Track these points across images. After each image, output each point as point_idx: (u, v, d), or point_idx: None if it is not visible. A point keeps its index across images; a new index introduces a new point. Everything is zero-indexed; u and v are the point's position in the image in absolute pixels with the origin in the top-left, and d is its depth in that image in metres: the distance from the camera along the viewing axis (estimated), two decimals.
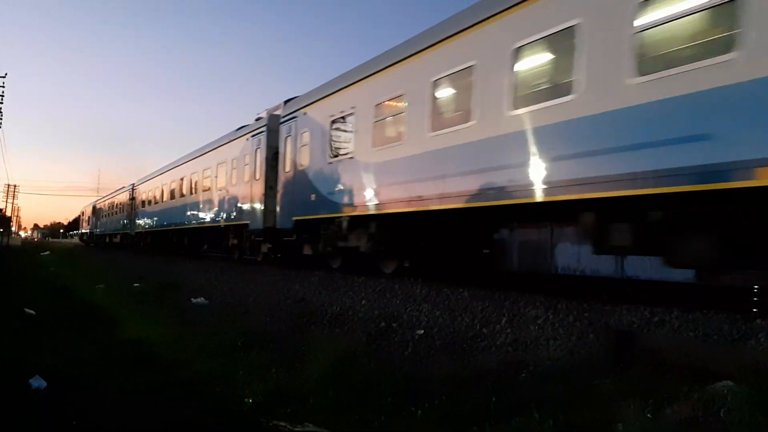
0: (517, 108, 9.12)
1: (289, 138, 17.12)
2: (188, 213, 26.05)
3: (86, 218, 70.05)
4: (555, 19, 8.45)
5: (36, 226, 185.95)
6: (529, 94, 9.03)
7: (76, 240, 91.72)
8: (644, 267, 8.53)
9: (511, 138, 9.13)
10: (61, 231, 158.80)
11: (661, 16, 7.09)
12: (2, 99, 50.19)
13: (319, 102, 15.45)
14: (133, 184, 41.04)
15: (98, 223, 57.66)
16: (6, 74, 44.35)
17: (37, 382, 5.55)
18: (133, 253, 33.49)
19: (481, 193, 9.57)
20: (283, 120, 17.54)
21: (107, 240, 52.29)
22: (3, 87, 59.17)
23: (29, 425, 4.69)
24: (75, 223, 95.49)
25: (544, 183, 8.46)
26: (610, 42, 7.67)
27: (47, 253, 40.75)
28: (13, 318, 9.42)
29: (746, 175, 6.19)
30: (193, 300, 11.39)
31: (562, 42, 8.41)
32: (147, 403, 5.41)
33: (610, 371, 5.01)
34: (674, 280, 9.15)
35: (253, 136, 19.37)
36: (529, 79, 9.17)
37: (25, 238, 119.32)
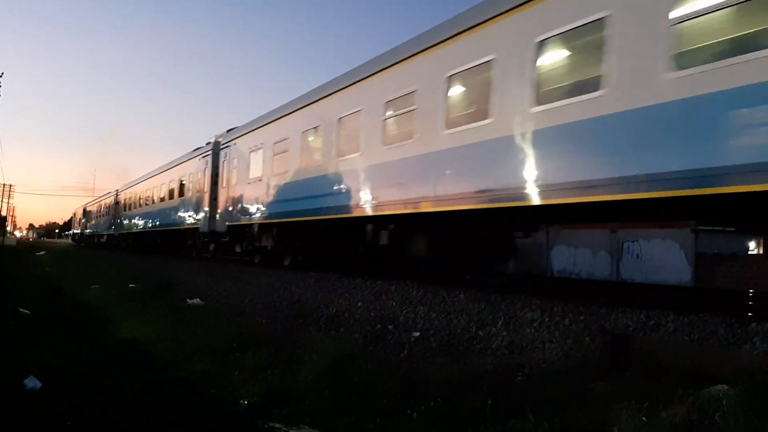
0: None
1: (225, 161, 21.64)
2: (158, 218, 30.48)
3: (77, 220, 74.39)
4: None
5: (31, 226, 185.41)
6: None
7: (69, 240, 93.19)
8: (639, 270, 8.59)
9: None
10: (57, 231, 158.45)
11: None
12: None
13: (243, 136, 20.01)
14: (117, 190, 45.12)
15: (88, 224, 61.87)
16: (2, 74, 44.20)
17: (32, 383, 5.54)
18: (127, 254, 33.43)
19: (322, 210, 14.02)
20: (221, 146, 22.13)
21: (96, 240, 55.69)
22: (0, 86, 59.03)
23: (24, 426, 4.67)
24: (70, 224, 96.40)
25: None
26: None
27: (42, 253, 40.65)
28: (8, 318, 9.39)
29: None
30: (189, 301, 11.37)
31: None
32: (142, 403, 5.40)
33: (606, 374, 5.01)
34: (670, 284, 9.22)
35: (202, 157, 23.73)
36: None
37: (21, 238, 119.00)
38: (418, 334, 7.15)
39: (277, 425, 4.79)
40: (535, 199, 8.30)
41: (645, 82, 7.12)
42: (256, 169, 18.34)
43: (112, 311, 11.12)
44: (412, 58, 11.33)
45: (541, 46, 8.53)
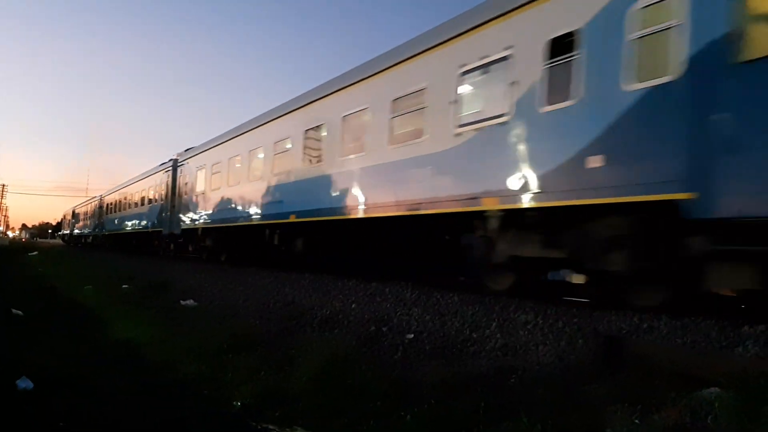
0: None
1: (180, 176, 26.13)
2: (133, 221, 34.99)
3: (67, 221, 79.48)
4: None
5: (24, 226, 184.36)
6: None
7: (59, 240, 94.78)
8: None
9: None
10: (50, 231, 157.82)
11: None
12: None
13: (193, 156, 24.63)
14: (101, 195, 50.21)
15: (76, 225, 66.81)
16: None
17: (24, 383, 5.52)
18: (119, 254, 33.36)
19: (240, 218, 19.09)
20: (178, 164, 26.60)
21: (83, 240, 59.73)
22: None
23: (16, 426, 4.66)
24: (61, 224, 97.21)
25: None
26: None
27: (35, 253, 40.48)
28: (0, 318, 9.35)
29: None
30: (182, 302, 11.35)
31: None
32: (135, 404, 5.39)
33: (599, 376, 5.03)
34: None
35: (165, 171, 28.17)
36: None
37: (13, 238, 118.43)
38: (412, 336, 7.15)
39: (271, 426, 4.78)
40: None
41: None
42: (200, 184, 23.21)
43: (106, 312, 11.09)
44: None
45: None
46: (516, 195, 8.64)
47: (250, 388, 5.67)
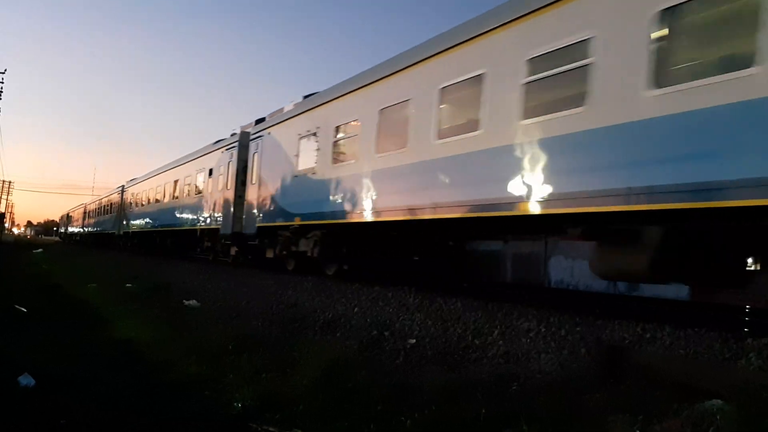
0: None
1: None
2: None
3: (63, 222, 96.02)
4: None
5: (29, 223, 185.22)
6: None
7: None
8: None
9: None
10: (54, 229, 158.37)
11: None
12: (0, 95, 50.35)
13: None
14: (84, 204, 62.82)
15: (69, 226, 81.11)
16: (5, 70, 44.33)
17: (26, 380, 5.53)
18: (126, 254, 33.41)
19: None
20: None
21: (74, 238, 70.63)
22: (2, 83, 59.18)
23: (18, 422, 4.67)
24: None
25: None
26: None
27: (40, 250, 40.62)
28: (3, 315, 9.38)
29: None
30: (185, 302, 11.36)
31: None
32: (135, 403, 5.39)
33: (601, 386, 5.01)
34: (666, 297, 9.21)
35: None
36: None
37: (18, 235, 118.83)
38: (414, 341, 7.14)
39: (271, 429, 4.78)
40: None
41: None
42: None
43: (108, 310, 11.10)
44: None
45: None
46: None
47: (252, 390, 5.67)
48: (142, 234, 34.60)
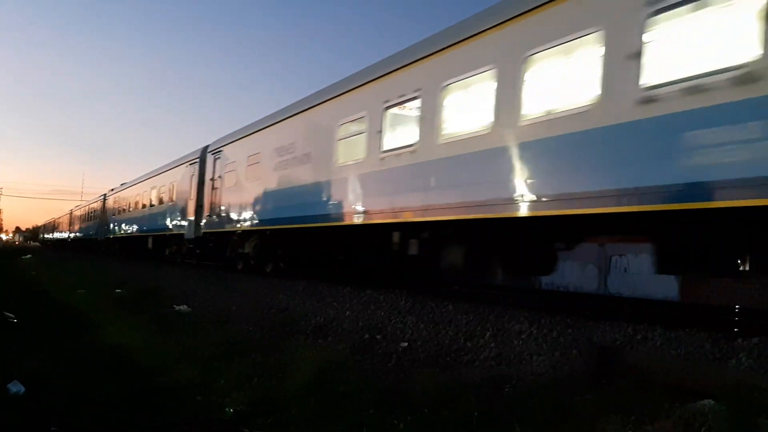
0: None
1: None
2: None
3: (42, 229, 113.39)
4: None
5: (18, 229, 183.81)
6: None
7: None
8: (627, 285, 8.62)
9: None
10: (42, 235, 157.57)
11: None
12: None
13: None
14: (71, 209, 67.61)
15: (46, 233, 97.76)
16: None
17: (16, 387, 5.48)
18: (114, 259, 33.26)
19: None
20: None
21: (50, 243, 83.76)
22: None
23: (7, 430, 4.63)
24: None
25: None
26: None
27: (28, 256, 40.34)
28: None
29: None
30: (176, 307, 11.30)
31: None
32: (126, 409, 5.35)
33: (593, 387, 5.02)
34: (657, 298, 9.24)
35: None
36: None
37: (6, 241, 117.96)
38: (406, 344, 7.14)
39: None
40: None
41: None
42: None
43: (98, 316, 11.02)
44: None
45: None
46: None
47: (243, 394, 5.64)
48: (122, 239, 38.01)
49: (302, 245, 15.99)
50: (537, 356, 6.10)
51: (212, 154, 22.13)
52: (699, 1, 6.66)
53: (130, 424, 4.96)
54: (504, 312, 8.23)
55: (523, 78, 8.61)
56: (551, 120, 8.17)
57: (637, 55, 7.12)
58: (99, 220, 44.66)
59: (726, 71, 6.32)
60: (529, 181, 8.39)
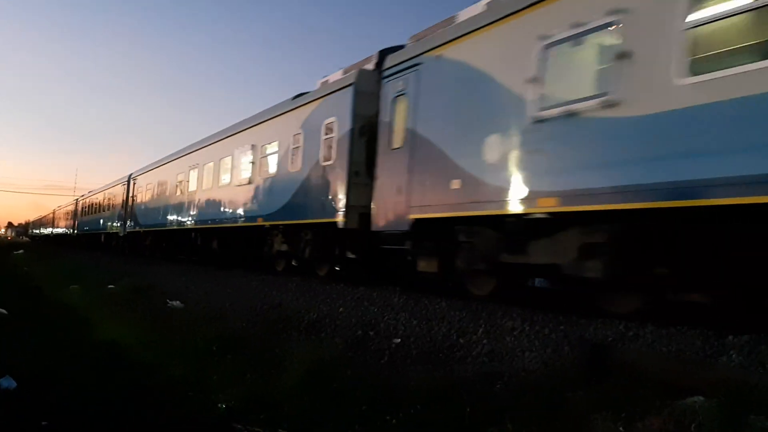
0: None
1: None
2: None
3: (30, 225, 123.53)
4: None
5: (10, 224, 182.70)
6: None
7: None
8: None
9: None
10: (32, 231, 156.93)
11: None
12: None
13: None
14: (54, 210, 73.62)
15: (34, 229, 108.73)
16: None
17: (8, 382, 5.48)
18: (104, 255, 33.14)
19: None
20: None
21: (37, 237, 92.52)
22: None
23: None
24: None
25: None
26: None
27: (21, 251, 40.18)
28: None
29: None
30: (169, 303, 11.28)
31: None
32: (119, 405, 5.35)
33: (584, 384, 5.04)
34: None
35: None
36: None
37: None
38: (399, 340, 7.15)
39: (256, 429, 4.76)
40: None
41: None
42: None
43: (91, 312, 11.01)
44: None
45: None
46: None
47: (236, 390, 5.65)
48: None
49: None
50: (529, 353, 6.12)
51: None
52: None
53: (122, 420, 4.96)
54: (496, 309, 8.23)
55: None
56: None
57: None
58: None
59: None
60: None
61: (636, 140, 7.04)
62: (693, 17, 6.46)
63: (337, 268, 14.41)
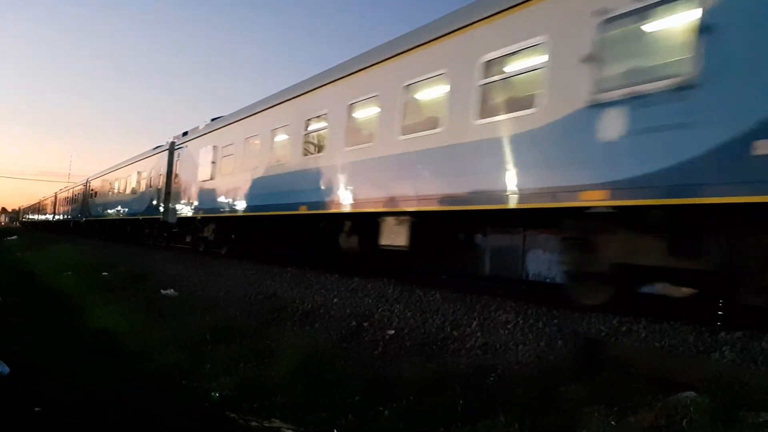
0: None
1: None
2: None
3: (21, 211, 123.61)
4: None
5: (4, 210, 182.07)
6: None
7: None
8: None
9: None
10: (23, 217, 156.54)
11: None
12: None
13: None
14: (56, 193, 68.77)
15: (25, 216, 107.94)
16: None
17: (1, 368, 5.46)
18: (100, 242, 33.04)
19: None
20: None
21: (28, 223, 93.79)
22: None
23: None
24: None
25: None
26: None
27: (14, 237, 40.02)
28: None
29: None
30: (163, 291, 11.27)
31: None
32: (112, 392, 5.35)
33: (577, 378, 5.06)
34: (642, 291, 9.28)
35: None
36: None
37: None
38: (393, 332, 7.16)
39: (248, 418, 4.77)
40: None
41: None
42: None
43: (85, 299, 10.98)
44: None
45: None
46: None
47: (229, 379, 5.65)
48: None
49: None
50: (522, 346, 6.14)
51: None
52: None
53: (115, 407, 4.96)
54: (491, 302, 8.25)
55: None
56: None
57: None
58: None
59: None
60: None
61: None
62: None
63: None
